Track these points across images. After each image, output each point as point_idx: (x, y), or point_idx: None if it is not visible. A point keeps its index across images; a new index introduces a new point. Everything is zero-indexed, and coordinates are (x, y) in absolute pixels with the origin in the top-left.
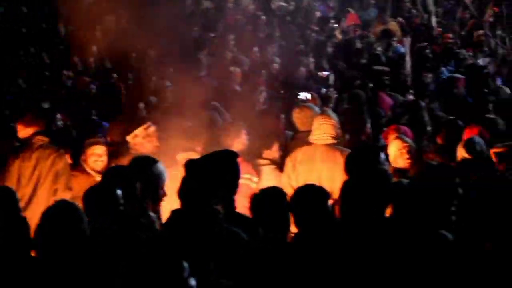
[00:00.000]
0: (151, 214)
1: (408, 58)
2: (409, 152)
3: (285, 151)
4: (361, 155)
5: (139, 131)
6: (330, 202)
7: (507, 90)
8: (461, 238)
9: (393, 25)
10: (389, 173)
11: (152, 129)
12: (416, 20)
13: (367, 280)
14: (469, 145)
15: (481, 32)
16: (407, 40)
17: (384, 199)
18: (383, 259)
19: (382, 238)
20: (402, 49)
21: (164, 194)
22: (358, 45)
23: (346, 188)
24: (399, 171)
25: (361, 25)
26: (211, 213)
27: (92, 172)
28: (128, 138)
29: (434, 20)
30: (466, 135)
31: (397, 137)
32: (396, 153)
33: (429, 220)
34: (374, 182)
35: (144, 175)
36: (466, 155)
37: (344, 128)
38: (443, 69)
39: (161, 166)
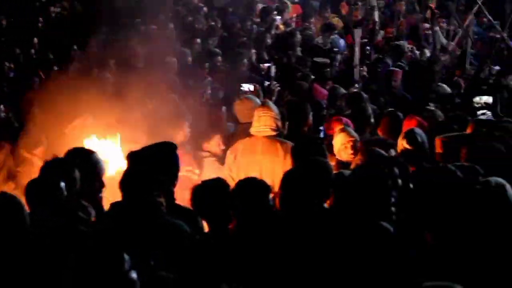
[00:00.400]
0: (87, 205)
1: (357, 49)
2: (353, 147)
3: (227, 143)
4: (303, 147)
5: (77, 122)
6: (270, 195)
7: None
8: (401, 229)
9: (335, 20)
10: (329, 164)
11: (90, 120)
12: (356, 14)
13: (306, 271)
14: (410, 136)
15: (427, 25)
16: (357, 32)
17: (324, 190)
18: (323, 250)
19: (321, 229)
20: (342, 42)
21: (103, 186)
22: (299, 36)
23: (286, 179)
24: (342, 164)
25: (302, 15)
26: (154, 205)
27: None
28: (66, 130)
29: (376, 14)
30: (405, 126)
31: (343, 130)
32: (340, 146)
33: (369, 211)
34: (314, 174)
35: (80, 166)
36: (407, 146)
37: (286, 120)
38: (389, 61)
39: (97, 157)
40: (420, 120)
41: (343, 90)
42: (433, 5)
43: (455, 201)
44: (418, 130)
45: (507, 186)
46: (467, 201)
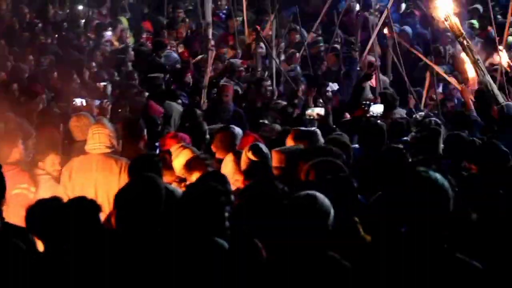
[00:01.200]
0: None
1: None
2: None
3: (63, 161)
4: (139, 163)
5: None
6: (100, 214)
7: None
8: (236, 244)
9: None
10: (160, 181)
11: None
12: (184, 28)
13: None
14: (256, 148)
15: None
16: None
17: (156, 207)
18: (154, 268)
19: (156, 247)
20: (175, 56)
21: None
22: (131, 53)
23: (117, 197)
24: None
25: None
26: None
27: None
28: None
29: (210, 31)
30: (242, 143)
31: (184, 147)
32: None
33: (203, 227)
34: (145, 191)
35: None
36: (253, 158)
37: (121, 136)
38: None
39: None
40: (256, 137)
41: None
42: (258, 27)
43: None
44: (261, 144)
45: (319, 197)
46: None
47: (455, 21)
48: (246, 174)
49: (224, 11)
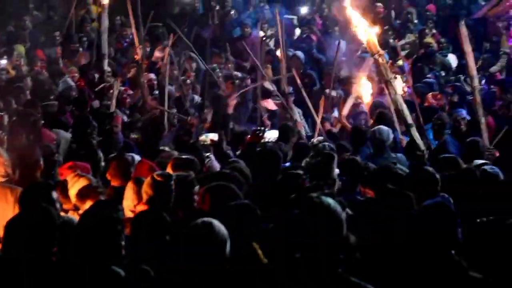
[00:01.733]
0: None
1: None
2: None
3: None
4: (31, 192)
5: None
6: None
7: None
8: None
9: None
10: (52, 210)
11: None
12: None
13: None
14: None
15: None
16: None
17: (48, 236)
18: None
19: (50, 276)
20: (71, 83)
21: None
22: (29, 82)
23: (7, 227)
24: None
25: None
26: None
27: None
28: None
29: (105, 62)
30: (137, 171)
31: (79, 176)
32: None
33: (99, 256)
34: (35, 220)
35: None
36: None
37: (17, 165)
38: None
39: None
40: (152, 165)
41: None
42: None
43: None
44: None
45: (215, 225)
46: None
47: (373, 38)
48: (148, 201)
49: (128, 40)
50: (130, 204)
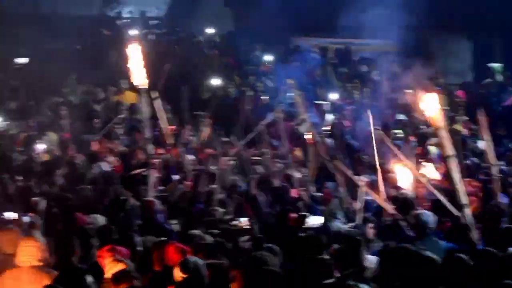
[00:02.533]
0: None
1: None
2: None
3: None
4: (65, 276)
5: None
6: None
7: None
8: None
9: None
10: None
11: None
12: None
13: None
14: (183, 265)
15: None
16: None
17: None
18: None
19: None
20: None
21: None
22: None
23: None
24: None
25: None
26: None
27: None
28: None
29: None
30: (166, 253)
31: (117, 260)
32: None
33: None
34: None
35: None
36: (183, 275)
37: (53, 250)
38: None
39: None
40: (178, 246)
41: None
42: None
43: None
44: (192, 258)
45: None
46: None
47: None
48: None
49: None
50: None
